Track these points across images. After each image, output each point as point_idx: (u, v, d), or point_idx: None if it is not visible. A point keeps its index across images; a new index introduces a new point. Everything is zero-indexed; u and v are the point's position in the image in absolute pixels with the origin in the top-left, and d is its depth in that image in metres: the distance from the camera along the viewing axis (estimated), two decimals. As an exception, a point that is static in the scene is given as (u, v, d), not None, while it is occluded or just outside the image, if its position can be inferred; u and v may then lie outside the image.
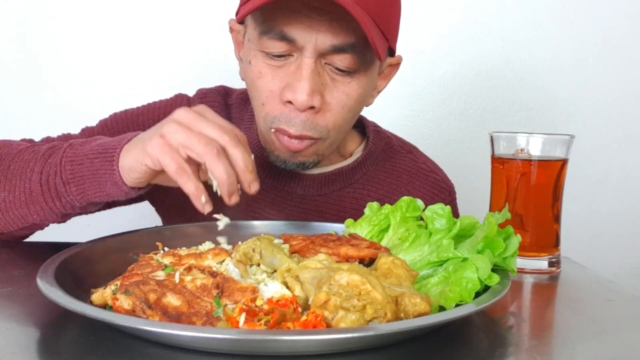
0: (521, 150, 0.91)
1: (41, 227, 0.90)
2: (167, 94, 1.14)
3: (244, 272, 0.66)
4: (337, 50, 0.86)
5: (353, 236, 0.79)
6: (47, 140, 1.04)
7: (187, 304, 0.59)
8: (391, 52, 0.97)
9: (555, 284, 0.87)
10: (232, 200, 0.73)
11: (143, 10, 1.66)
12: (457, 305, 0.62)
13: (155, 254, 0.74)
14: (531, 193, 0.91)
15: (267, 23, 0.87)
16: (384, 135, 1.13)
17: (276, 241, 0.74)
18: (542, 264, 0.90)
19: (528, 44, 1.71)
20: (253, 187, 0.74)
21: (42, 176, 0.81)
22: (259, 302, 0.58)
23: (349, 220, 0.86)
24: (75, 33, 1.65)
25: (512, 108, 1.74)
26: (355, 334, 0.52)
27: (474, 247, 0.69)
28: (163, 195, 1.04)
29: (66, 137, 1.05)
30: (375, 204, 0.84)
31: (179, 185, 0.72)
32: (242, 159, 0.72)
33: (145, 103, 1.12)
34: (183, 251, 0.73)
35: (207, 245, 0.77)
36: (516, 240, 0.71)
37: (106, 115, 1.10)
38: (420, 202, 0.81)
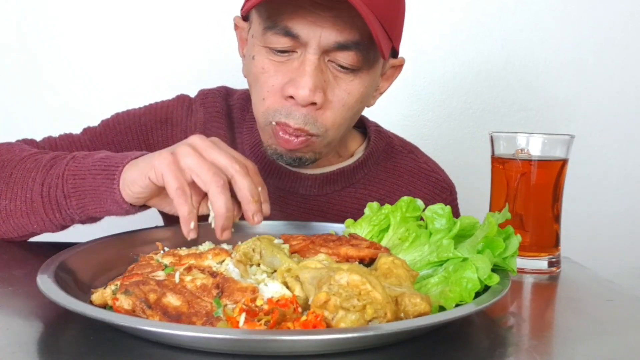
0: (521, 150, 0.91)
1: (40, 234, 0.90)
2: (167, 94, 1.14)
3: (244, 272, 0.66)
4: (341, 47, 0.86)
5: (353, 236, 0.79)
6: (49, 140, 1.04)
7: (187, 304, 0.59)
8: (394, 53, 0.97)
9: (555, 284, 0.87)
10: (224, 235, 0.74)
11: (143, 10, 1.66)
12: (457, 305, 0.62)
13: (155, 254, 0.74)
14: (531, 193, 0.91)
15: (272, 18, 0.87)
16: (385, 135, 1.13)
17: (276, 241, 0.74)
18: (542, 264, 0.90)
19: (528, 44, 1.71)
20: (256, 217, 0.75)
21: (44, 187, 0.82)
22: (259, 302, 0.58)
23: (349, 220, 0.86)
24: (75, 33, 1.65)
25: (512, 108, 1.74)
26: (355, 334, 0.52)
27: (474, 247, 0.69)
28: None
29: (67, 137, 1.05)
30: (375, 204, 0.84)
31: (174, 205, 0.73)
32: (248, 188, 0.73)
33: (146, 103, 1.12)
34: (183, 251, 0.73)
35: (207, 245, 0.77)
36: (516, 240, 0.71)
37: (106, 116, 1.10)
38: (420, 202, 0.81)
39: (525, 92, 1.73)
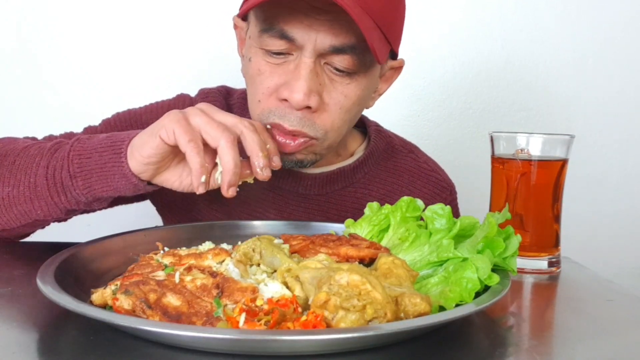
0: (521, 150, 0.91)
1: (43, 224, 0.89)
2: (167, 94, 1.14)
3: (244, 272, 0.66)
4: (337, 51, 0.86)
5: (353, 236, 0.79)
6: (50, 138, 1.04)
7: (187, 304, 0.59)
8: (393, 55, 0.97)
9: (555, 284, 0.87)
10: (230, 192, 0.74)
11: (143, 10, 1.66)
12: (457, 305, 0.62)
13: (155, 254, 0.74)
14: (531, 193, 0.91)
15: (268, 21, 0.87)
16: (385, 135, 1.13)
17: (276, 241, 0.74)
18: (542, 264, 0.90)
19: (528, 44, 1.71)
20: (265, 172, 0.77)
21: (48, 170, 0.81)
22: (259, 302, 0.58)
23: (349, 220, 0.86)
24: (75, 33, 1.66)
25: (512, 108, 1.74)
26: (355, 334, 0.52)
27: (474, 247, 0.69)
28: (164, 195, 1.05)
29: (69, 136, 1.05)
30: (375, 204, 0.84)
31: (183, 177, 0.76)
32: (257, 142, 0.76)
33: (146, 103, 1.12)
34: (183, 251, 0.73)
35: (207, 245, 0.77)
36: (516, 240, 0.71)
37: (106, 115, 1.10)
38: (420, 202, 0.81)
39: (525, 92, 1.73)
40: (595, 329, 0.67)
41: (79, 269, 0.70)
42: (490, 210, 0.96)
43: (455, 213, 1.14)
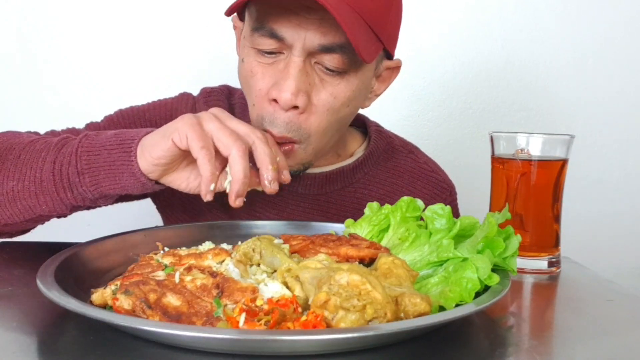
0: (521, 150, 0.91)
1: (47, 219, 0.89)
2: (166, 93, 1.14)
3: (244, 272, 0.66)
4: (326, 49, 0.86)
5: (353, 236, 0.79)
6: (53, 133, 1.04)
7: (187, 304, 0.59)
8: (389, 55, 0.97)
9: (555, 284, 0.87)
10: (237, 202, 0.75)
11: (143, 10, 1.66)
12: (457, 305, 0.62)
13: (155, 254, 0.74)
14: (531, 193, 0.91)
15: (259, 19, 0.87)
16: (385, 135, 1.13)
17: (276, 241, 0.74)
18: (542, 264, 0.90)
19: (528, 44, 1.71)
20: (273, 185, 0.77)
21: (55, 165, 0.81)
22: (259, 302, 0.58)
23: (349, 220, 0.86)
24: (75, 33, 1.65)
25: (512, 108, 1.74)
26: (355, 334, 0.52)
27: (474, 247, 0.69)
28: (166, 193, 1.05)
29: (72, 131, 1.05)
30: (375, 204, 0.84)
31: (191, 179, 0.76)
32: (268, 154, 0.76)
33: (146, 102, 1.12)
34: (183, 251, 0.73)
35: (207, 245, 0.77)
36: (516, 240, 0.71)
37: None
38: (420, 202, 0.81)
39: (525, 92, 1.73)
40: (595, 329, 0.67)
41: (79, 269, 0.70)
42: (490, 210, 0.96)
43: (455, 213, 1.14)
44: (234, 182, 0.73)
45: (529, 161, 0.90)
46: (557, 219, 0.93)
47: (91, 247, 0.76)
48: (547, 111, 1.74)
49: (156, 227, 0.90)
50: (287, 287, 0.62)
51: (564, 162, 0.92)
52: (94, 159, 0.79)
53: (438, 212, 0.76)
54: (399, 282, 0.63)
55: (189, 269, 0.66)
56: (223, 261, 0.68)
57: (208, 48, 1.65)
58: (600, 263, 1.59)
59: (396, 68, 1.01)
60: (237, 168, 0.73)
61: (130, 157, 0.77)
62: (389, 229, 0.81)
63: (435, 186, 1.13)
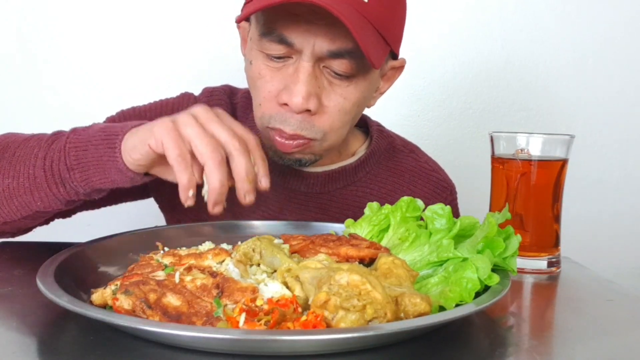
0: (521, 150, 0.91)
1: (45, 217, 0.89)
2: (166, 94, 1.14)
3: (244, 272, 0.66)
4: (334, 55, 0.87)
5: (353, 236, 0.79)
6: (61, 133, 1.05)
7: (187, 304, 0.59)
8: (394, 55, 0.97)
9: (555, 284, 0.87)
10: (216, 210, 0.73)
11: (143, 10, 1.66)
12: (457, 305, 0.62)
13: (155, 254, 0.74)
14: (531, 193, 0.91)
15: (268, 25, 0.87)
16: (387, 135, 1.14)
17: (276, 241, 0.74)
18: (542, 264, 0.90)
19: (528, 44, 1.71)
20: (248, 197, 0.74)
21: (46, 162, 0.81)
22: (259, 302, 0.58)
23: (349, 220, 0.86)
24: (75, 33, 1.65)
25: (512, 108, 1.74)
26: (355, 334, 0.52)
27: (474, 247, 0.69)
28: (167, 193, 1.05)
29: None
30: (375, 204, 0.84)
31: (174, 173, 0.72)
32: (244, 167, 0.73)
33: (146, 103, 1.12)
34: (183, 251, 0.73)
35: (207, 245, 0.77)
36: (516, 240, 0.71)
37: (106, 115, 1.10)
38: (420, 202, 0.81)
39: (525, 92, 1.73)
40: (595, 329, 0.67)
41: (79, 269, 0.70)
42: (490, 210, 0.96)
43: (456, 213, 1.15)
44: (210, 191, 0.72)
45: (529, 161, 0.90)
46: (557, 219, 0.93)
47: (91, 247, 0.76)
48: (547, 111, 1.74)
49: (156, 227, 0.90)
50: (287, 287, 0.62)
51: (564, 162, 0.92)
52: (82, 154, 0.79)
53: (438, 212, 0.76)
54: (399, 282, 0.63)
55: (189, 269, 0.66)
56: (223, 261, 0.68)
57: (208, 48, 1.65)
58: (600, 263, 1.59)
59: (400, 67, 1.02)
60: (212, 179, 0.71)
61: (115, 153, 0.77)
62: (389, 229, 0.81)
63: (436, 185, 1.13)
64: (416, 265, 0.72)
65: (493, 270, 0.66)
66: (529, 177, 0.91)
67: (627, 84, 1.74)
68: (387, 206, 0.82)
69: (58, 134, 0.84)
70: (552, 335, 0.66)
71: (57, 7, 1.64)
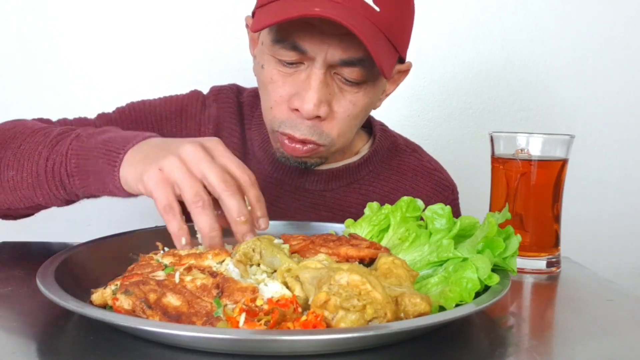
0: (521, 150, 0.91)
1: (47, 208, 0.90)
2: (167, 94, 1.14)
3: (244, 272, 0.66)
4: (346, 63, 0.89)
5: (353, 236, 0.79)
6: (64, 121, 1.05)
7: (187, 304, 0.59)
8: (401, 59, 0.98)
9: (555, 284, 0.87)
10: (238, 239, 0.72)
11: (143, 10, 1.66)
12: (457, 305, 0.62)
13: (155, 254, 0.74)
14: (531, 193, 0.91)
15: (281, 32, 0.89)
16: (390, 135, 1.16)
17: (276, 241, 0.74)
18: (542, 264, 0.90)
19: (528, 44, 1.71)
20: (246, 238, 0.72)
21: (48, 163, 0.82)
22: (259, 302, 0.58)
23: (349, 220, 0.86)
24: (75, 33, 1.65)
25: (512, 108, 1.74)
26: (355, 334, 0.52)
27: (474, 247, 0.69)
28: None
29: (81, 121, 1.06)
30: (375, 204, 0.84)
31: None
32: (236, 209, 0.70)
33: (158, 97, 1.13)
34: (183, 251, 0.73)
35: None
36: (516, 240, 0.71)
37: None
38: (420, 202, 0.81)
39: (525, 92, 1.73)
40: (595, 329, 0.67)
41: (79, 269, 0.70)
42: (490, 210, 0.96)
43: (457, 212, 1.15)
44: (202, 237, 0.71)
45: (529, 161, 0.90)
46: (557, 219, 0.93)
47: (91, 247, 0.76)
48: (547, 111, 1.74)
49: (156, 227, 0.90)
50: (287, 287, 0.62)
51: (564, 162, 0.92)
52: (83, 162, 0.80)
53: (438, 212, 0.76)
54: (399, 282, 0.63)
55: (189, 269, 0.66)
56: (223, 261, 0.68)
57: (209, 48, 1.65)
58: (600, 263, 1.59)
59: (406, 70, 1.04)
60: (199, 225, 0.69)
61: (114, 171, 0.76)
62: (389, 229, 0.81)
63: (437, 184, 1.15)
64: (416, 265, 0.72)
65: (493, 270, 0.66)
66: (529, 177, 0.91)
67: (627, 84, 1.74)
68: (387, 206, 0.82)
69: (62, 134, 0.84)
70: (552, 335, 0.66)
71: (57, 7, 1.64)
